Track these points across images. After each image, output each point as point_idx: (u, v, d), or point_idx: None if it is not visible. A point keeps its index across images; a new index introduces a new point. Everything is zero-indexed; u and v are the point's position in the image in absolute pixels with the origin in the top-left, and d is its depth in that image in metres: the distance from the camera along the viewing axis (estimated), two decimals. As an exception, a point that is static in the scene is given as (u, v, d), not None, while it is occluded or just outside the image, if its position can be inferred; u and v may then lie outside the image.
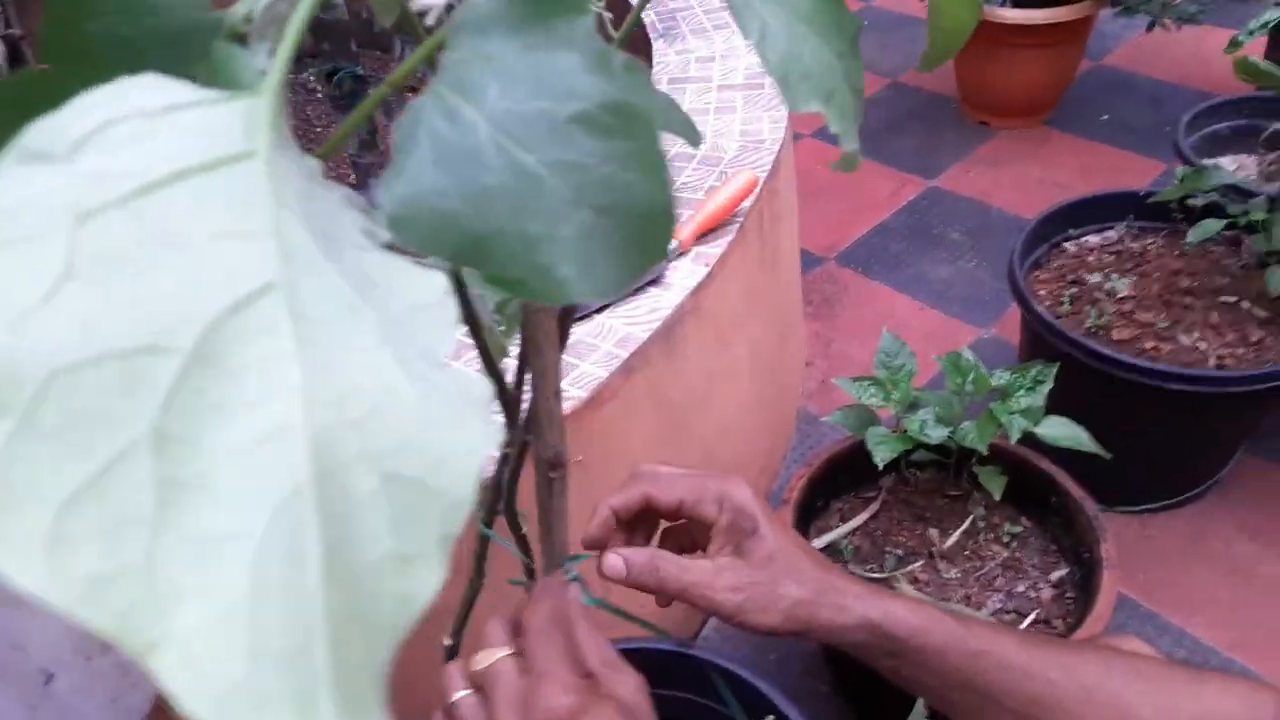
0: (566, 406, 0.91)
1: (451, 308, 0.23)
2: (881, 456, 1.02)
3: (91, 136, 0.19)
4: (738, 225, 1.14)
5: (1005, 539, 1.12)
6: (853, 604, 0.54)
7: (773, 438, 1.48)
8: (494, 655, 0.50)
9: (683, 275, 1.07)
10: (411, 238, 0.24)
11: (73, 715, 0.66)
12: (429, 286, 0.23)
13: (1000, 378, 1.07)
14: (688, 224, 1.11)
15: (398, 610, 0.17)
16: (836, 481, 1.19)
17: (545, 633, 0.50)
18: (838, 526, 1.16)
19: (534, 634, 0.50)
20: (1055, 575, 1.08)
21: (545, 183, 0.24)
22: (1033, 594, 1.07)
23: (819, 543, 1.13)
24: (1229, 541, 1.40)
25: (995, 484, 1.07)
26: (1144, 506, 1.42)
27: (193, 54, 0.26)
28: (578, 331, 1.01)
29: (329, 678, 0.16)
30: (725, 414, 1.22)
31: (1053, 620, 1.04)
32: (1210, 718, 0.55)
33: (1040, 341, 1.30)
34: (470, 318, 0.50)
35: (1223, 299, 1.32)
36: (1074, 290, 1.37)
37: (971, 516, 1.13)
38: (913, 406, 1.10)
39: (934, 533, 1.12)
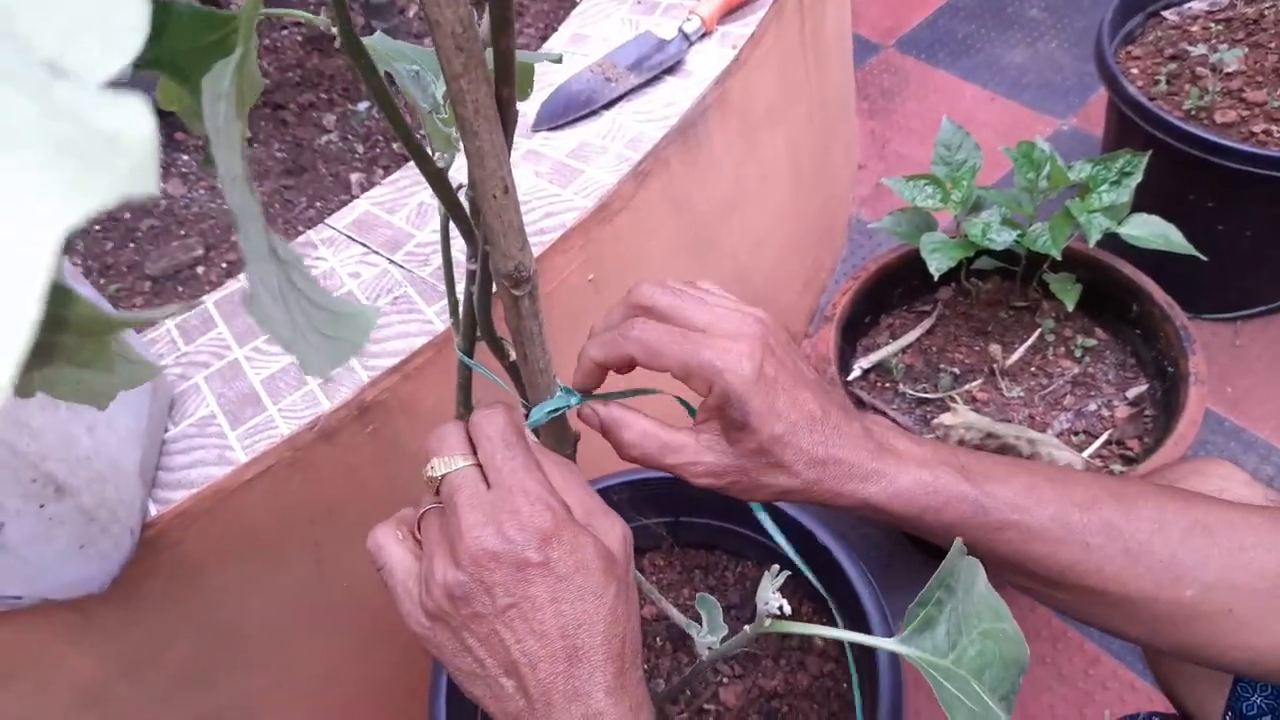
0: (571, 218, 0.80)
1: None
2: (937, 265, 0.89)
3: None
4: (772, 0, 0.97)
5: (1077, 353, 1.00)
6: (854, 489, 0.46)
7: (817, 250, 1.35)
8: (453, 463, 0.41)
9: (705, 61, 0.92)
10: None
11: (32, 567, 0.61)
12: None
13: (1080, 170, 0.91)
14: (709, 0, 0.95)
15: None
16: (888, 294, 1.07)
17: (509, 443, 0.41)
18: (888, 344, 1.05)
19: (496, 443, 0.41)
20: (1133, 392, 0.96)
21: None
22: (1105, 412, 0.96)
23: (865, 363, 1.02)
24: (1332, 348, 1.26)
25: (1069, 293, 0.94)
26: (1235, 313, 1.28)
27: None
28: (582, 131, 0.88)
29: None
30: (759, 224, 1.10)
31: (1127, 441, 0.93)
32: None
33: (1129, 127, 1.12)
34: (392, 111, 0.39)
35: (1354, 68, 1.12)
36: (1172, 66, 1.18)
37: (1039, 330, 1.01)
38: (975, 207, 0.96)
39: (996, 348, 1.01)
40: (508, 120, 0.41)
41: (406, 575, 0.41)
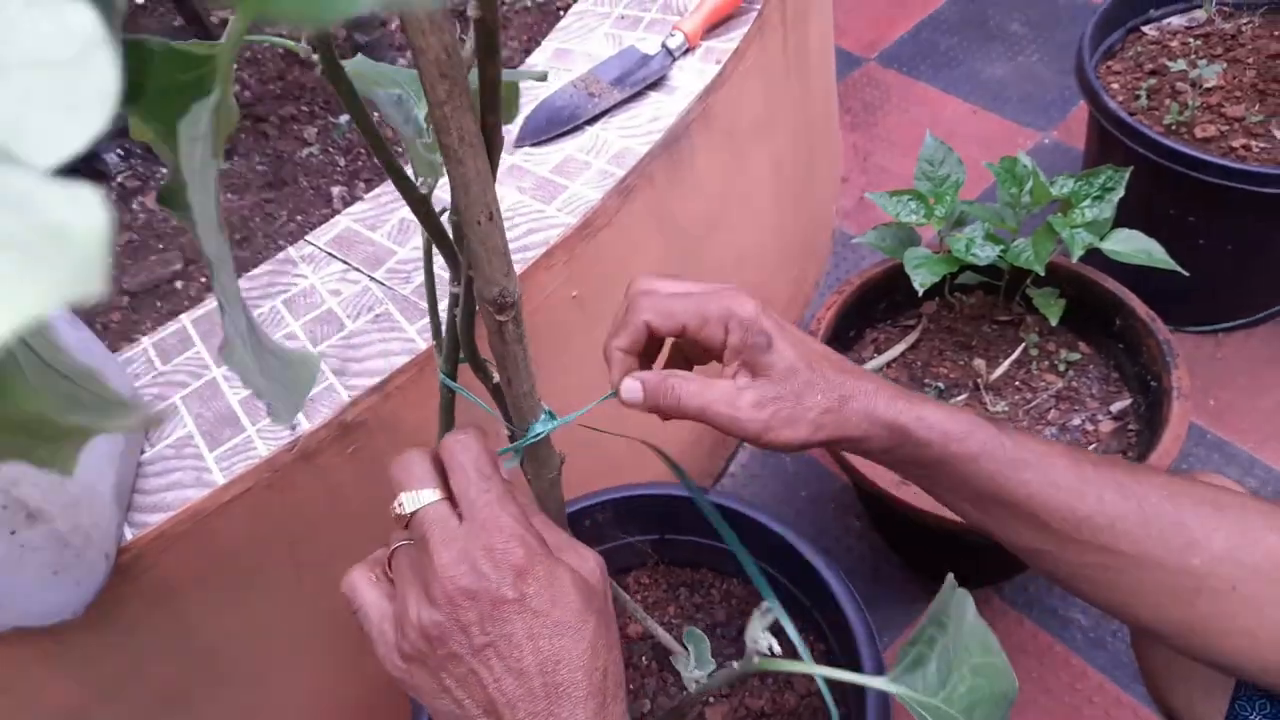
0: (554, 234, 0.79)
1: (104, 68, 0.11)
2: (921, 281, 0.89)
3: None
4: (755, 14, 0.97)
5: (1061, 367, 1.00)
6: (883, 410, 0.48)
7: (802, 263, 1.35)
8: (422, 498, 0.40)
9: (689, 76, 0.92)
10: None
11: (1, 595, 0.60)
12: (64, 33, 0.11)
13: (1063, 186, 0.92)
14: (695, 12, 0.95)
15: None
16: (872, 309, 1.07)
17: (483, 474, 0.40)
18: (873, 358, 1.04)
19: (470, 474, 0.40)
20: (1117, 406, 0.97)
21: None
22: (1090, 427, 0.96)
23: (850, 377, 1.02)
24: (1311, 360, 1.27)
25: (1052, 308, 0.94)
26: (1217, 325, 1.29)
27: None
28: (565, 147, 0.88)
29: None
30: (744, 239, 1.09)
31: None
32: None
33: (1110, 142, 1.13)
34: (368, 128, 0.38)
35: (1330, 84, 1.13)
36: (1152, 81, 1.19)
37: (1023, 344, 1.01)
38: (959, 223, 0.96)
39: (980, 363, 1.01)
40: (493, 147, 0.41)
41: (381, 618, 0.40)
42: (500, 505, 0.40)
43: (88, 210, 0.10)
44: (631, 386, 0.50)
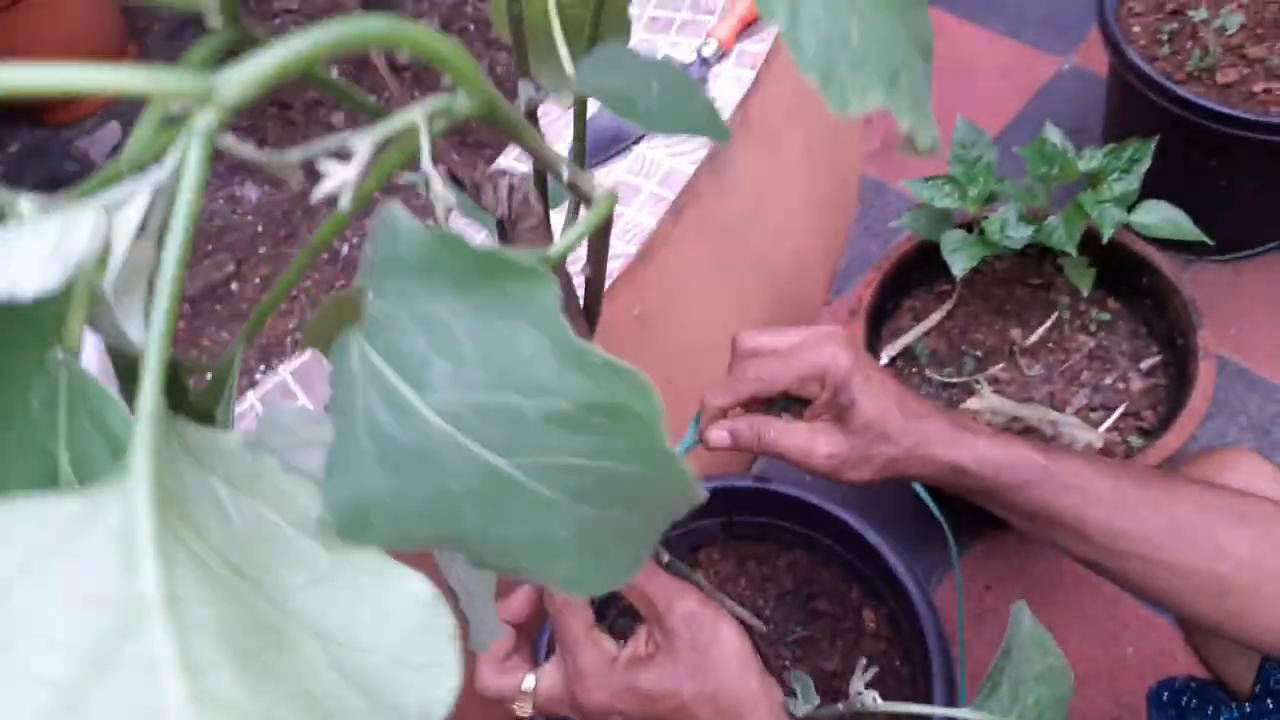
0: (616, 266, 0.84)
1: (443, 631, 0.17)
2: (960, 266, 0.94)
3: None
4: (784, 10, 0.99)
5: (1092, 327, 1.06)
6: (941, 453, 0.56)
7: (834, 220, 1.39)
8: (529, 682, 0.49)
9: (726, 85, 0.95)
10: (366, 539, 0.18)
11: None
12: (409, 603, 0.17)
13: (1090, 160, 0.95)
14: (727, 17, 0.97)
15: None
16: (908, 280, 1.12)
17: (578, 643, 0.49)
18: (911, 328, 1.10)
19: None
20: (1146, 363, 1.03)
21: (525, 487, 0.18)
22: (1121, 385, 1.02)
23: (891, 350, 1.08)
24: (1331, 279, 1.31)
25: (1083, 278, 0.99)
26: (1236, 254, 1.33)
27: (40, 315, 0.19)
28: (614, 170, 0.92)
29: None
30: (780, 220, 1.14)
31: (1142, 413, 1.00)
32: None
33: (1132, 91, 1.15)
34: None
35: (1351, 16, 1.14)
36: (1174, 25, 1.20)
37: (1056, 310, 1.06)
38: (990, 199, 1.00)
39: (1016, 331, 1.06)
40: (593, 323, 0.46)
41: None
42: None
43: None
44: (720, 436, 0.58)
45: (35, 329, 0.17)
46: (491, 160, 0.99)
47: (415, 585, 0.16)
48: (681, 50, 0.97)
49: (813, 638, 0.97)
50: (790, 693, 0.54)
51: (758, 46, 0.97)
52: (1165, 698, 0.82)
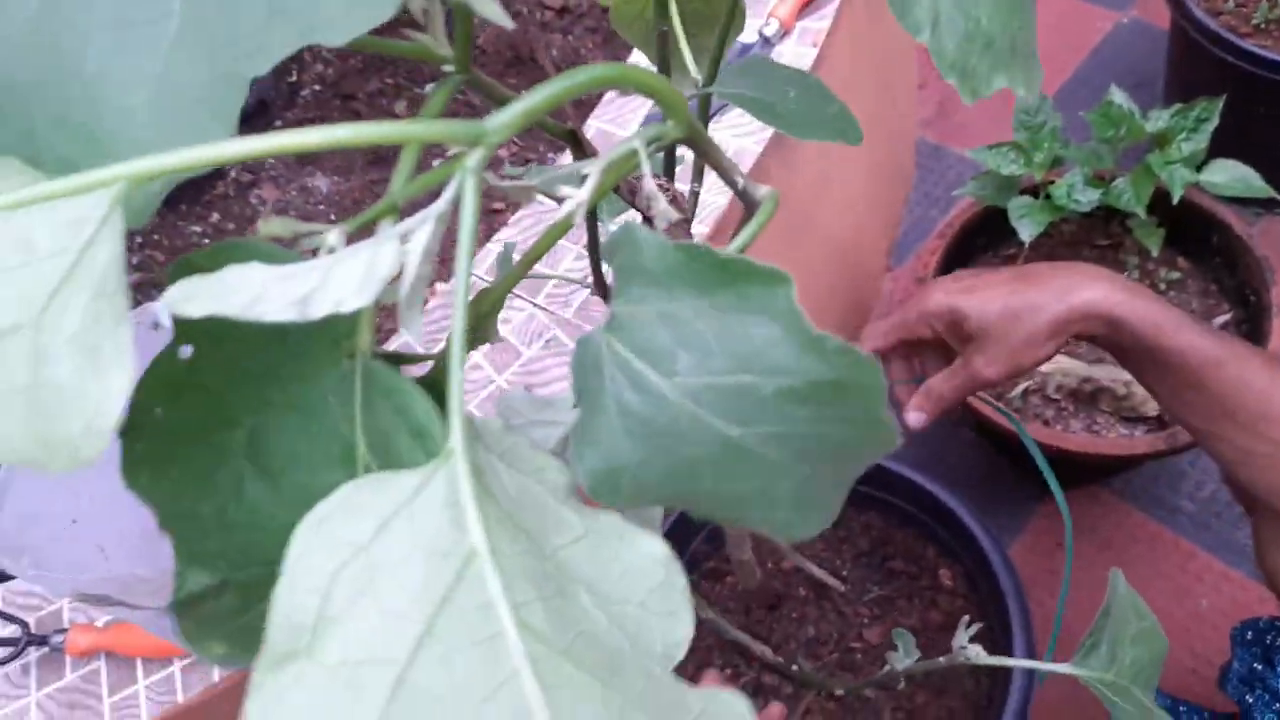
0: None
1: (676, 584, 0.21)
2: (1029, 232, 0.96)
3: (323, 609, 0.17)
4: (844, -14, 1.01)
5: (1162, 286, 1.06)
6: (1094, 303, 0.58)
7: (892, 187, 1.40)
8: None
9: (789, 63, 0.97)
10: (613, 501, 0.22)
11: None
12: (650, 562, 0.21)
13: (1157, 120, 0.96)
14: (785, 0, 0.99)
15: None
16: (972, 246, 1.13)
17: None
18: (977, 293, 1.12)
19: None
20: (1218, 320, 1.03)
21: (755, 452, 0.21)
22: (1192, 343, 1.03)
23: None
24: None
25: (1153, 238, 1.00)
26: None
27: (334, 322, 0.23)
28: (683, 152, 0.95)
29: None
30: (844, 192, 1.16)
31: (1214, 369, 1.01)
32: None
33: (1195, 49, 1.14)
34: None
35: None
36: (1238, -24, 1.18)
37: (1125, 271, 1.07)
38: (1056, 162, 1.01)
39: (1083, 293, 1.07)
40: None
41: None
42: None
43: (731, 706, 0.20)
44: (917, 419, 0.65)
45: (330, 339, 0.21)
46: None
47: (654, 546, 0.19)
48: (746, 34, 0.99)
49: (889, 596, 1.00)
50: (891, 648, 0.57)
51: (819, 24, 0.99)
52: (1250, 636, 0.84)
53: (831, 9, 0.99)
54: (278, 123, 1.32)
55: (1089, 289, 0.58)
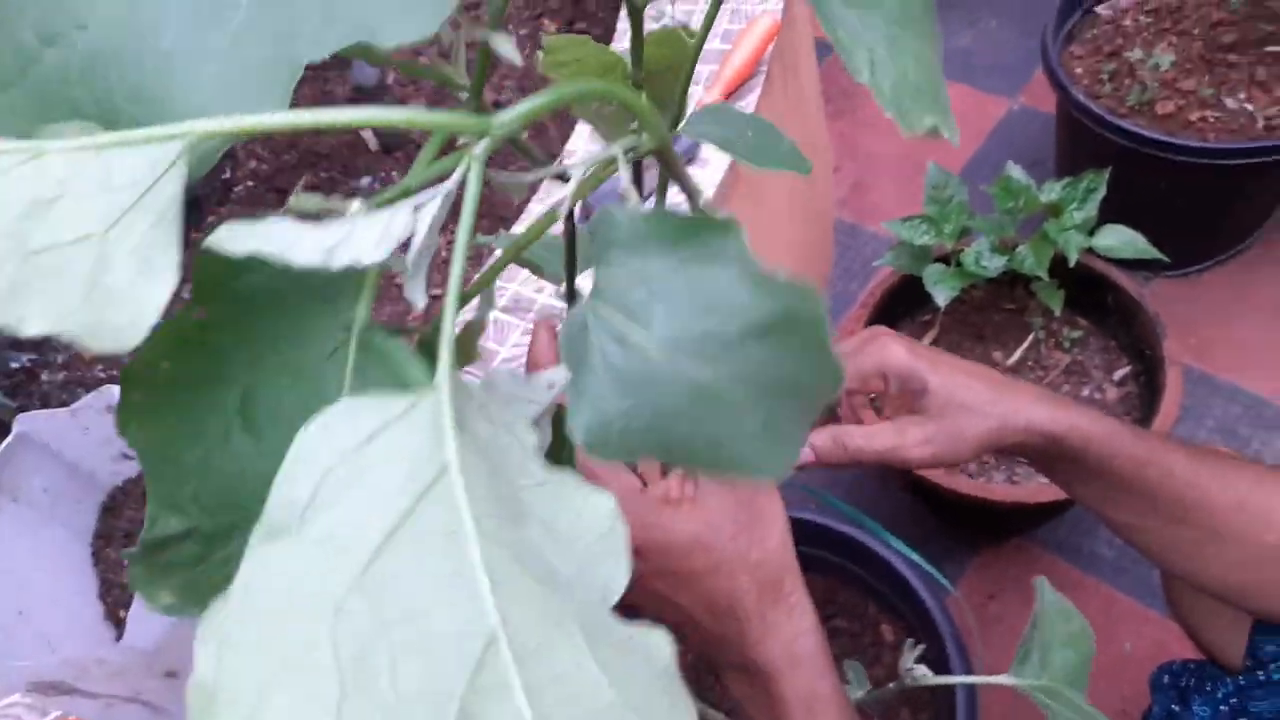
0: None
1: (620, 534, 0.24)
2: (943, 297, 1.03)
3: (315, 497, 0.20)
4: (763, 73, 1.09)
5: (1066, 344, 1.14)
6: (1037, 422, 0.58)
7: (817, 268, 1.48)
8: None
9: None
10: (605, 454, 0.25)
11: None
12: (601, 513, 0.24)
13: (1051, 192, 1.05)
14: (712, 88, 1.06)
15: None
16: (892, 313, 1.20)
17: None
18: (899, 357, 1.18)
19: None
20: (1119, 373, 1.11)
21: (724, 394, 0.24)
22: (1098, 395, 1.11)
23: (884, 378, 1.16)
24: (1277, 285, 1.41)
25: (1054, 299, 1.08)
26: (1191, 268, 1.43)
27: (337, 298, 0.26)
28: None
29: None
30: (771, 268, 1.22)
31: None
32: None
33: (1081, 128, 1.25)
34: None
35: (1269, 49, 1.25)
36: (1112, 66, 1.31)
37: (1032, 332, 1.15)
38: (963, 232, 1.09)
39: (998, 353, 1.15)
40: None
41: None
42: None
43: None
44: (804, 453, 0.59)
45: (332, 310, 0.24)
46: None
47: (602, 501, 0.22)
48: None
49: (834, 655, 1.02)
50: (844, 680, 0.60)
51: (742, 107, 1.06)
52: (1166, 680, 0.89)
53: (753, 98, 1.07)
54: (210, 219, 1.32)
55: (1035, 409, 0.58)
